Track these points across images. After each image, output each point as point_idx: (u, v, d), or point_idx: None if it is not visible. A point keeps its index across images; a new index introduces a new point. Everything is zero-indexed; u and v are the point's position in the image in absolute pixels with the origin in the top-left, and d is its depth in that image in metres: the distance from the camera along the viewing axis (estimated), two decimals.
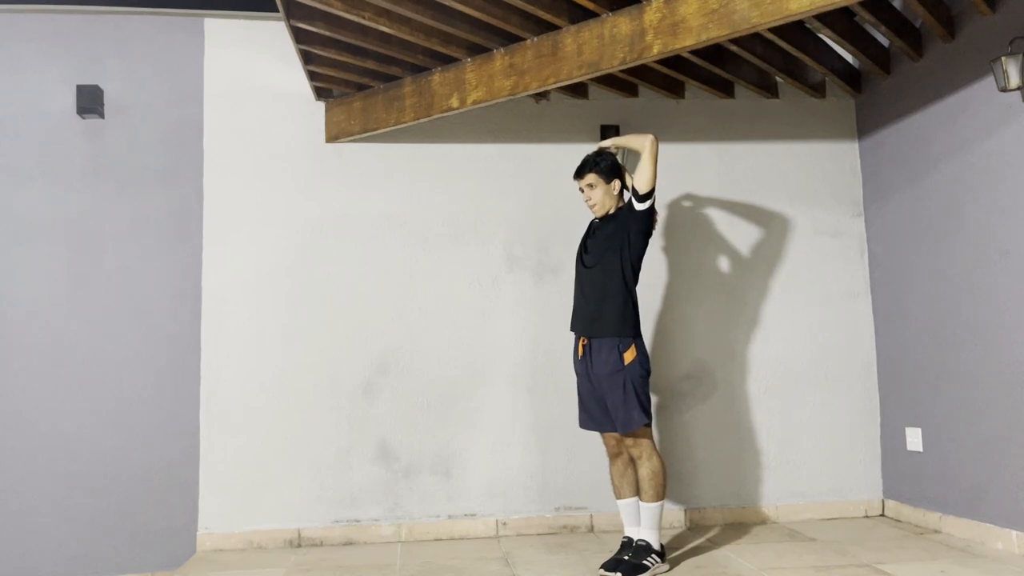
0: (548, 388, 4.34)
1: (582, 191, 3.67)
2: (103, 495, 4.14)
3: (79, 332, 4.20)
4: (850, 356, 4.55)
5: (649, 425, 3.51)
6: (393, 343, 4.35)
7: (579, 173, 3.65)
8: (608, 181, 3.60)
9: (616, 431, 3.51)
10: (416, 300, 4.38)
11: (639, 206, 3.52)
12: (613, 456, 3.60)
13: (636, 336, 3.52)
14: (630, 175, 3.63)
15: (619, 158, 4.45)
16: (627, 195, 3.61)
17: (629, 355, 3.46)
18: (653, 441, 3.54)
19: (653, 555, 3.44)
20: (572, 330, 3.68)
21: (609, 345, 3.49)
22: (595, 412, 3.58)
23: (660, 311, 4.48)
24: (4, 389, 4.14)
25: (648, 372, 3.53)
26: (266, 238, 4.35)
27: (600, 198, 3.61)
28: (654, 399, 4.19)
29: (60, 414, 4.15)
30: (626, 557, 3.45)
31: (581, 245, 3.74)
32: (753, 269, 4.57)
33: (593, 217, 3.74)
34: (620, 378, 3.45)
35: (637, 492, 3.53)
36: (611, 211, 3.63)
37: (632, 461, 3.55)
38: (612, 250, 3.55)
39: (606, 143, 3.74)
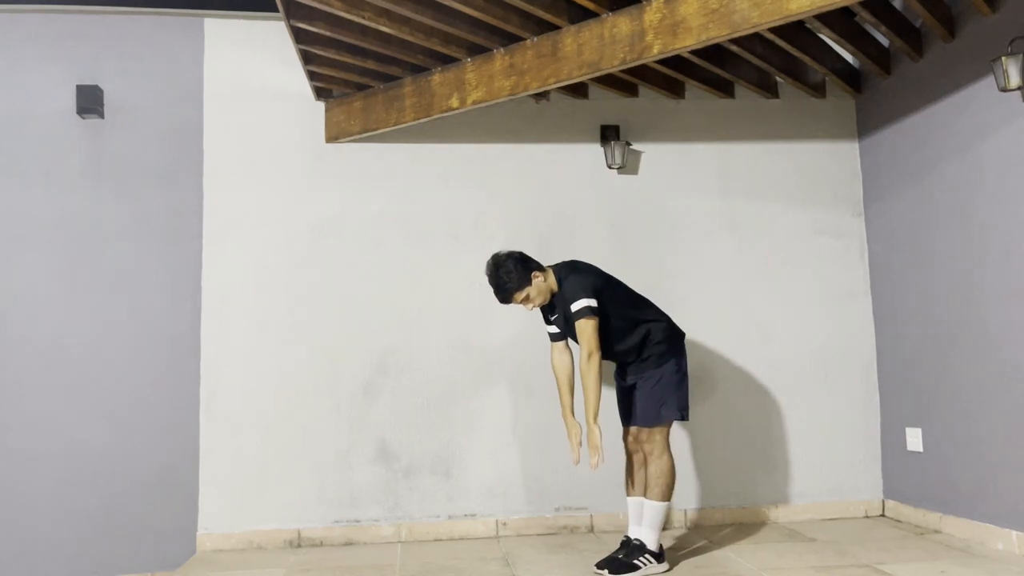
0: (548, 388, 4.30)
1: (521, 304, 3.55)
2: (103, 495, 4.14)
3: (79, 332, 4.20)
4: (850, 356, 4.55)
5: (669, 424, 3.51)
6: (393, 343, 4.35)
7: (504, 302, 3.53)
8: (529, 283, 3.46)
9: (636, 424, 3.52)
10: (416, 300, 4.38)
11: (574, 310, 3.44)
12: (631, 452, 3.61)
13: (675, 353, 3.57)
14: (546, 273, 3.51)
15: (621, 156, 4.45)
16: (547, 279, 3.50)
17: (667, 361, 3.54)
18: (666, 440, 3.52)
19: (647, 555, 3.43)
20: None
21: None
22: (622, 404, 3.62)
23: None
24: (4, 389, 4.14)
25: (684, 373, 3.57)
26: (266, 238, 4.35)
27: (535, 298, 3.50)
28: None
29: (60, 414, 4.15)
30: (620, 556, 3.45)
31: (550, 324, 3.63)
32: (753, 269, 4.57)
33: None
34: (657, 374, 3.49)
35: (644, 491, 3.52)
36: (550, 296, 3.53)
37: (645, 461, 3.54)
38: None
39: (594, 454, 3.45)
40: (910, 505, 4.25)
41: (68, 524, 4.10)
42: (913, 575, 3.29)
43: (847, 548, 3.76)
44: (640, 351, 3.52)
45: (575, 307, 3.40)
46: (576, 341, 3.45)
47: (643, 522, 3.48)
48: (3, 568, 4.04)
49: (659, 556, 3.47)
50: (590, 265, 3.60)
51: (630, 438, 3.59)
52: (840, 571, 3.39)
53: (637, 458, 3.58)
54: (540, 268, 3.52)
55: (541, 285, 3.48)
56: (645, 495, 3.49)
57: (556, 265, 3.59)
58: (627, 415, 3.60)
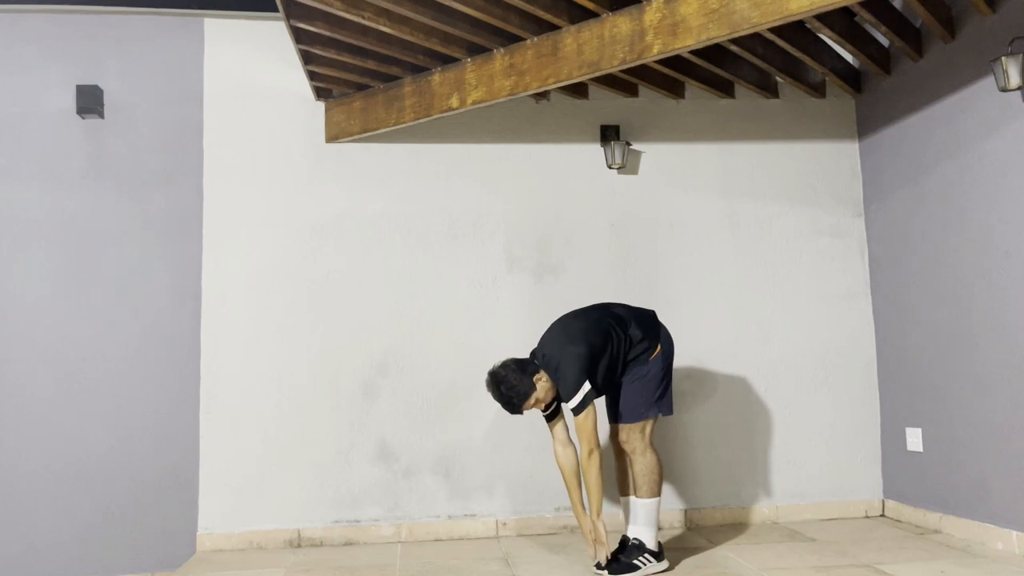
0: None
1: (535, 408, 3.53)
2: (103, 495, 4.14)
3: (79, 332, 4.20)
4: (850, 356, 4.55)
5: (651, 420, 3.49)
6: (393, 343, 4.35)
7: (516, 413, 3.47)
8: (534, 387, 3.40)
9: (621, 422, 3.50)
10: (416, 300, 4.38)
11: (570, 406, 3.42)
12: (618, 452, 3.60)
13: (656, 339, 3.52)
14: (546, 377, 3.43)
15: (621, 156, 4.45)
16: (547, 383, 3.43)
17: (653, 354, 3.49)
18: (648, 437, 3.49)
19: (646, 555, 3.42)
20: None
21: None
22: (612, 401, 3.58)
23: (660, 312, 4.46)
24: (4, 389, 4.13)
25: (670, 362, 3.53)
26: (266, 238, 4.35)
27: (544, 398, 3.45)
28: None
29: (60, 414, 4.15)
30: (620, 556, 3.44)
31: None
32: (753, 269, 4.57)
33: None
34: (642, 371, 3.47)
35: (635, 490, 3.51)
36: (555, 391, 3.47)
37: (631, 459, 3.52)
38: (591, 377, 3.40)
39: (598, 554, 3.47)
40: (910, 505, 4.25)
41: (68, 524, 4.10)
42: (913, 575, 3.30)
43: (847, 548, 3.76)
44: (627, 357, 3.49)
45: (572, 404, 3.34)
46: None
47: (638, 520, 3.47)
48: (3, 568, 4.04)
49: (658, 554, 3.46)
50: (567, 333, 3.45)
51: (615, 437, 3.58)
52: (840, 571, 3.39)
53: (626, 456, 3.56)
54: (535, 367, 3.43)
55: (545, 385, 3.42)
56: (635, 494, 3.49)
57: (536, 352, 3.51)
58: (614, 413, 3.58)
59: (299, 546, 4.18)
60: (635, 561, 3.40)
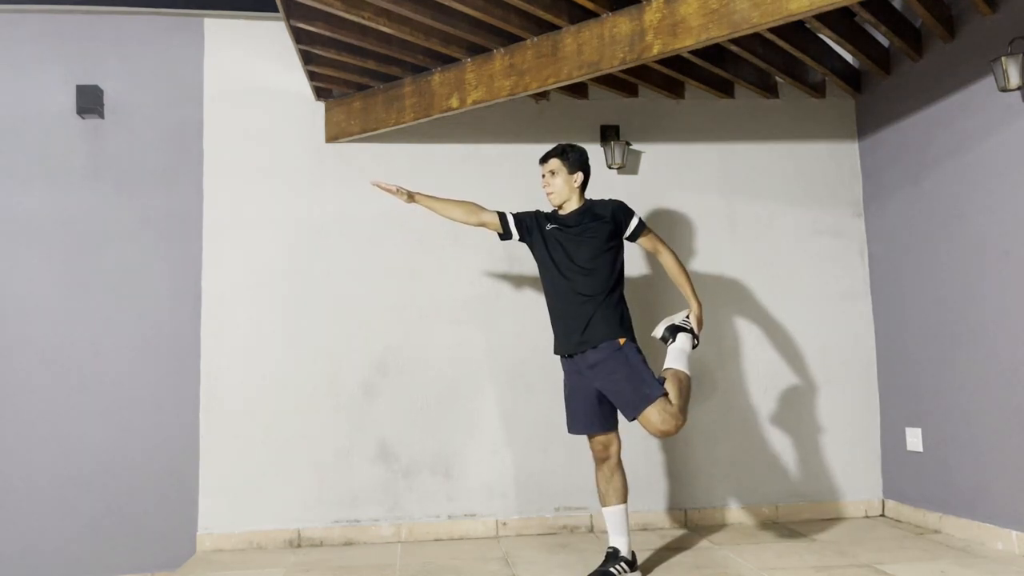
0: (548, 388, 4.32)
1: (543, 177, 3.56)
2: (103, 495, 4.14)
3: (79, 332, 4.20)
4: (850, 356, 4.55)
5: (663, 395, 3.27)
6: (393, 343, 4.35)
7: (543, 158, 3.56)
8: (571, 172, 3.49)
9: (604, 431, 3.37)
10: (416, 300, 4.38)
11: (630, 227, 3.52)
12: (600, 461, 3.42)
13: (630, 331, 3.39)
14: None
15: (621, 156, 4.45)
16: (580, 192, 3.53)
17: (623, 340, 3.32)
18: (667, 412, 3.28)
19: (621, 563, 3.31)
20: (557, 352, 3.50)
21: (604, 346, 3.33)
22: (584, 411, 3.39)
23: (660, 312, 4.47)
24: (4, 389, 4.13)
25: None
26: (266, 238, 4.35)
27: (559, 187, 3.49)
28: None
29: (60, 414, 4.15)
30: (611, 570, 3.28)
31: (544, 252, 3.52)
32: (753, 269, 4.57)
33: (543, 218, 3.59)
34: (621, 356, 3.30)
35: (623, 500, 3.38)
36: (575, 207, 3.50)
37: (618, 466, 3.41)
38: (604, 251, 3.42)
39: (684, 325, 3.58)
40: (910, 505, 4.25)
41: (68, 524, 4.10)
42: (913, 575, 3.30)
43: (847, 548, 3.76)
44: (619, 322, 3.36)
45: (636, 220, 3.54)
46: (581, 273, 3.39)
47: (626, 530, 3.37)
48: (3, 568, 4.04)
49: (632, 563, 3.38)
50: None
51: (599, 446, 3.41)
52: (840, 571, 3.39)
53: (608, 465, 3.39)
54: (585, 187, 3.56)
55: (572, 183, 3.51)
56: (625, 500, 3.38)
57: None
58: (595, 422, 3.39)
59: (299, 546, 4.18)
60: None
